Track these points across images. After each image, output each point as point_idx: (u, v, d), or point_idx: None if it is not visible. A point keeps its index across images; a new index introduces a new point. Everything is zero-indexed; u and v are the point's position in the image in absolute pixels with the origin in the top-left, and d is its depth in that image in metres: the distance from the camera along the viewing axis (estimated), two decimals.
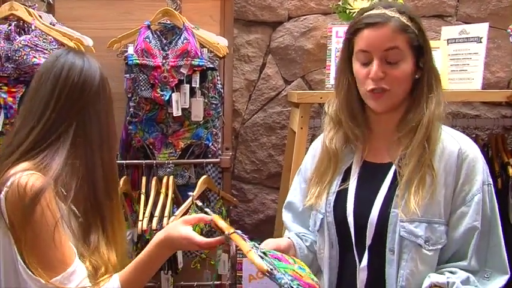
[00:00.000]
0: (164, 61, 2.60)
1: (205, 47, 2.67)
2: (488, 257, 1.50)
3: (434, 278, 1.45)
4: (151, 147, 2.75)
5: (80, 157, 1.43)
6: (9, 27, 2.51)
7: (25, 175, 1.33)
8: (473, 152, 1.53)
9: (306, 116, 2.52)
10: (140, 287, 1.49)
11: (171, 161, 2.72)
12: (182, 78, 2.61)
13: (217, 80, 2.80)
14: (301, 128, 2.52)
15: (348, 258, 1.60)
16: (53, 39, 2.51)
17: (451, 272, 1.47)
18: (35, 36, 2.46)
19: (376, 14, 1.51)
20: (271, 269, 1.25)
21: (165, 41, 2.70)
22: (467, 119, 2.95)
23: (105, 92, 1.52)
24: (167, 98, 2.60)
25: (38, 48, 2.42)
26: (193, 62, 2.59)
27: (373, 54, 1.50)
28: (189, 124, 2.73)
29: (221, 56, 2.74)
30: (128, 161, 2.75)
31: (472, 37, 2.58)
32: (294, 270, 1.34)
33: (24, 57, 2.39)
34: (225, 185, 2.88)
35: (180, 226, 1.45)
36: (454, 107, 3.10)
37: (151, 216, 2.55)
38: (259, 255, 1.30)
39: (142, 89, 2.63)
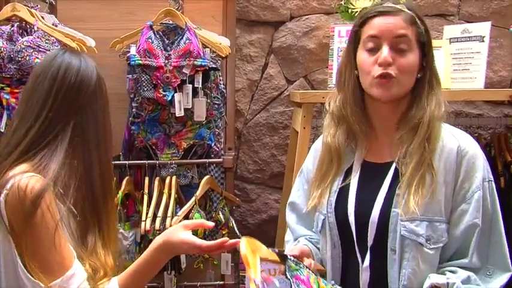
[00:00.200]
0: (166, 61, 2.60)
1: (208, 47, 2.67)
2: (489, 254, 1.50)
3: (434, 278, 1.45)
4: (154, 147, 2.75)
5: (77, 157, 1.43)
6: (12, 28, 2.51)
7: (25, 177, 1.32)
8: (472, 148, 1.53)
9: (308, 116, 2.53)
10: None
11: (173, 161, 2.72)
12: (185, 78, 2.61)
13: (220, 80, 2.81)
14: (304, 128, 2.53)
15: (350, 259, 1.60)
16: (55, 40, 2.51)
17: (451, 272, 1.47)
18: (38, 37, 2.46)
19: (387, 5, 1.54)
20: None
21: (167, 41, 2.69)
22: (469, 118, 2.96)
23: (102, 92, 1.52)
24: (170, 98, 2.60)
25: (40, 49, 2.42)
26: (195, 62, 2.58)
27: (383, 40, 1.50)
28: (191, 124, 2.73)
29: (223, 56, 2.75)
30: (130, 162, 2.74)
31: (474, 36, 2.58)
32: None
33: (27, 58, 2.39)
34: (228, 185, 2.87)
35: (180, 231, 1.45)
36: (457, 106, 3.10)
37: (155, 216, 2.55)
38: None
39: (145, 89, 2.63)
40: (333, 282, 1.59)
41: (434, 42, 2.40)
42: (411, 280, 1.48)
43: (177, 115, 2.63)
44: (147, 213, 2.57)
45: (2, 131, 2.48)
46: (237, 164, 3.31)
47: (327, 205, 1.62)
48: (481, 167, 1.51)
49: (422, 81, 1.55)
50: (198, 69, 2.61)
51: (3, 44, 2.45)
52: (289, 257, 1.46)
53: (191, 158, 2.79)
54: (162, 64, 2.59)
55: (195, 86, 2.63)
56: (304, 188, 1.79)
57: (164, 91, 2.60)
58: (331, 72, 2.52)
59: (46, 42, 2.47)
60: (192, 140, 2.74)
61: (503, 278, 1.48)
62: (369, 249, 1.54)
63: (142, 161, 2.75)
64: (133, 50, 2.63)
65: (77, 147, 1.43)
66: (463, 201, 1.49)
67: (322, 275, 1.62)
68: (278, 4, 3.20)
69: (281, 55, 3.25)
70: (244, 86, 3.29)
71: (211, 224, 1.55)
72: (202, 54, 2.60)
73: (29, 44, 2.41)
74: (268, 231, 3.22)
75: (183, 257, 2.64)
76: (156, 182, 2.66)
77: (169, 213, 2.56)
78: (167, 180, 2.67)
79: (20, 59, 2.40)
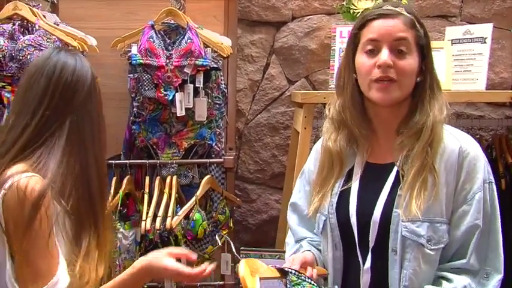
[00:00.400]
0: (168, 61, 2.60)
1: (209, 47, 2.67)
2: (488, 255, 1.50)
3: None
4: (154, 147, 2.76)
5: (74, 155, 1.43)
6: (13, 27, 2.52)
7: (24, 177, 1.32)
8: (474, 150, 1.53)
9: (309, 116, 2.53)
10: None
11: (174, 161, 2.72)
12: (186, 78, 2.61)
13: (221, 80, 2.81)
14: (305, 128, 2.53)
15: (351, 260, 1.60)
16: (56, 39, 2.52)
17: (448, 280, 1.48)
18: (39, 35, 2.47)
19: (387, 8, 1.54)
20: None
21: (168, 41, 2.69)
22: (471, 119, 2.96)
23: (96, 91, 1.52)
24: (171, 97, 2.60)
25: (41, 48, 2.42)
26: (197, 62, 2.59)
27: (383, 43, 1.51)
28: (192, 124, 2.74)
29: (225, 56, 2.75)
30: (131, 161, 2.75)
31: (476, 37, 2.58)
32: None
33: (28, 57, 2.40)
34: (229, 185, 2.87)
35: (164, 257, 1.49)
36: (458, 107, 3.10)
37: (155, 216, 2.55)
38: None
39: (146, 88, 2.63)
40: (336, 287, 1.60)
41: (436, 44, 2.41)
42: (412, 281, 1.48)
43: (178, 115, 2.63)
44: (147, 213, 2.57)
45: None
46: (237, 164, 3.31)
47: (328, 206, 1.62)
48: (482, 169, 1.51)
49: (423, 86, 1.55)
50: (200, 69, 2.61)
51: (4, 42, 2.46)
52: (290, 270, 1.48)
53: (192, 157, 2.79)
54: (164, 64, 2.60)
55: (196, 85, 2.64)
56: (305, 190, 1.79)
57: (165, 91, 2.61)
58: (333, 73, 2.52)
59: (47, 41, 2.48)
60: (193, 140, 2.74)
61: (496, 281, 1.49)
62: (370, 250, 1.54)
63: (143, 161, 2.75)
64: (134, 50, 2.63)
65: (74, 146, 1.43)
66: (464, 203, 1.49)
67: (325, 278, 1.63)
68: (280, 4, 3.20)
69: (282, 55, 3.25)
70: (246, 86, 3.29)
71: (194, 256, 1.57)
72: (203, 54, 2.60)
73: (30, 42, 2.42)
74: (269, 232, 3.22)
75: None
76: (157, 182, 2.67)
77: (169, 213, 2.56)
78: (168, 180, 2.67)
79: (21, 57, 2.41)
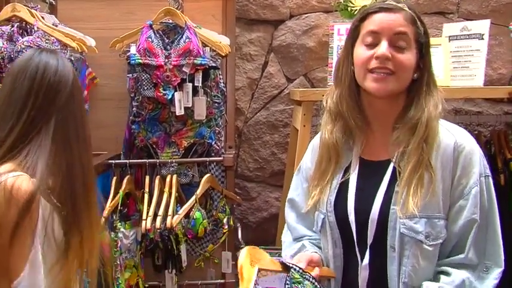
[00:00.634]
0: (166, 60, 2.61)
1: (208, 46, 2.67)
2: (487, 249, 1.50)
3: (426, 286, 1.47)
4: (154, 146, 2.76)
5: (59, 153, 1.45)
6: (12, 29, 2.52)
7: (11, 177, 1.34)
8: (469, 144, 1.53)
9: (308, 114, 2.54)
10: None
11: (174, 160, 2.73)
12: (185, 77, 2.61)
13: (220, 78, 2.81)
14: (304, 126, 2.53)
15: (350, 257, 1.60)
16: (55, 40, 2.52)
17: (446, 274, 1.48)
18: (38, 37, 2.47)
19: (389, 3, 1.54)
20: None
21: (167, 40, 2.70)
22: (469, 115, 2.97)
23: (78, 90, 1.55)
24: (170, 97, 2.61)
25: None
26: (195, 61, 2.59)
27: (383, 35, 1.51)
28: (192, 123, 2.74)
29: (223, 54, 2.75)
30: (131, 161, 2.75)
31: (473, 34, 2.59)
32: None
33: None
34: (229, 184, 2.88)
35: None
36: (456, 103, 3.10)
37: (155, 215, 2.56)
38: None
39: (145, 88, 2.63)
40: None
41: (434, 40, 2.41)
42: (411, 277, 1.49)
43: (177, 114, 2.64)
44: (147, 212, 2.58)
45: None
46: (237, 162, 3.32)
47: (326, 204, 1.62)
48: (478, 163, 1.51)
49: (420, 83, 1.56)
50: (198, 68, 2.62)
51: (3, 44, 2.46)
52: (294, 267, 1.46)
53: (191, 156, 2.79)
54: (162, 63, 2.60)
55: (195, 84, 2.64)
56: (303, 187, 1.79)
57: (164, 90, 2.61)
58: (331, 70, 2.52)
59: (46, 42, 2.48)
60: (193, 139, 2.75)
61: (496, 274, 1.49)
62: (368, 247, 1.54)
63: (143, 160, 2.76)
64: (133, 49, 2.63)
65: (59, 144, 1.45)
66: (461, 197, 1.49)
67: (329, 279, 1.62)
68: (278, 3, 3.21)
69: (281, 53, 3.26)
70: (244, 85, 3.29)
71: None
72: (202, 53, 2.60)
73: (29, 44, 2.42)
74: (269, 229, 3.23)
75: (184, 256, 2.64)
76: (157, 181, 2.67)
77: (170, 212, 2.57)
78: (168, 179, 2.68)
79: None
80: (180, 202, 2.70)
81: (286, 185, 2.90)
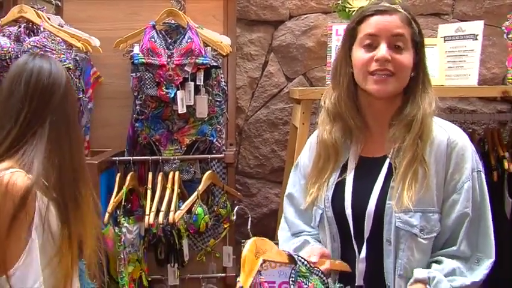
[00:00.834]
0: (169, 60, 2.62)
1: (209, 46, 2.69)
2: (479, 242, 1.53)
3: (416, 273, 1.49)
4: (157, 143, 2.77)
5: (54, 152, 1.51)
6: (19, 29, 2.54)
7: (7, 173, 1.40)
8: (462, 140, 1.56)
9: (307, 112, 2.54)
10: None
11: (176, 157, 2.73)
12: (187, 76, 2.62)
13: (221, 77, 2.83)
14: (303, 124, 2.54)
15: (347, 251, 1.62)
16: (61, 40, 2.54)
17: (438, 262, 1.51)
18: (44, 37, 2.49)
19: (384, 5, 1.57)
20: None
21: (169, 40, 2.71)
22: (464, 114, 2.95)
23: (71, 91, 1.62)
24: (172, 95, 2.61)
25: (46, 49, 2.45)
26: (197, 61, 2.60)
27: (381, 38, 1.53)
28: (193, 121, 2.76)
29: (224, 54, 2.76)
30: (134, 157, 2.75)
31: (468, 34, 2.59)
32: None
33: None
34: (229, 180, 2.87)
35: None
36: (451, 102, 3.12)
37: (158, 211, 2.57)
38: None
39: (148, 87, 2.65)
40: (339, 285, 1.58)
41: (429, 41, 2.44)
42: (407, 270, 1.51)
43: (179, 112, 2.65)
44: (150, 208, 2.59)
45: None
46: (238, 159, 3.33)
47: (324, 199, 1.64)
48: (470, 158, 1.54)
49: (416, 81, 1.58)
50: (200, 67, 2.63)
51: (10, 44, 2.48)
52: (302, 261, 1.43)
53: (193, 153, 2.80)
54: (165, 62, 2.61)
55: (197, 83, 2.65)
56: (300, 183, 1.79)
57: (167, 89, 2.62)
58: (329, 70, 2.51)
59: (52, 42, 2.50)
60: (195, 136, 2.76)
61: (487, 265, 1.52)
62: (365, 241, 1.57)
63: (146, 157, 2.76)
64: (136, 49, 2.64)
65: (53, 143, 1.51)
66: (454, 192, 1.52)
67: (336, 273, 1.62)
68: (277, 4, 3.23)
69: (281, 53, 3.27)
70: (245, 84, 3.31)
71: None
72: (203, 53, 2.62)
73: (35, 44, 2.44)
74: (269, 225, 3.23)
75: (186, 250, 2.65)
76: (160, 177, 2.68)
77: (172, 208, 2.59)
78: (170, 176, 2.69)
79: None
80: (182, 198, 2.70)
81: (286, 181, 2.89)
